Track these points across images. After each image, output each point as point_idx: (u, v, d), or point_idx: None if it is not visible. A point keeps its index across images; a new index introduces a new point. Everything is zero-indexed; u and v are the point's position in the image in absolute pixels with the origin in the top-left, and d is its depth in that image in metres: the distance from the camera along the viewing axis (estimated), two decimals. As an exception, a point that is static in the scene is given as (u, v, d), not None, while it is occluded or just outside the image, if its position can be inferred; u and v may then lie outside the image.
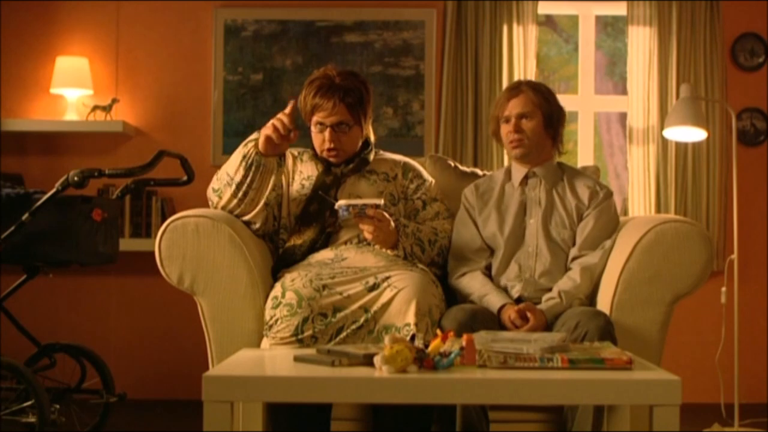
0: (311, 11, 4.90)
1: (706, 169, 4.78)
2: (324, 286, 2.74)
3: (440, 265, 3.10)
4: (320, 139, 3.07)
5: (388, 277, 2.75)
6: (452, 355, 2.20)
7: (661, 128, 4.61)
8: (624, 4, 4.85)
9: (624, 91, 4.92)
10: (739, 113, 4.86)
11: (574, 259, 2.98)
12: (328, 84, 3.03)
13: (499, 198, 3.09)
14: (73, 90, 4.79)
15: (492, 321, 2.82)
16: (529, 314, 2.81)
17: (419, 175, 3.19)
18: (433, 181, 3.24)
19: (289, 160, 3.15)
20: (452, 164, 3.40)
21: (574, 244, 3.01)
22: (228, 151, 4.79)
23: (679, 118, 4.20)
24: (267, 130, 2.90)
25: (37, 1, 4.91)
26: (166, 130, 4.91)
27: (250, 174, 2.92)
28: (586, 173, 3.20)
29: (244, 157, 2.93)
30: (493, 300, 2.89)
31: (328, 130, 3.04)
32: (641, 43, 4.83)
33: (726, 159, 4.77)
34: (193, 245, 2.87)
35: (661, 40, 4.80)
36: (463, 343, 2.24)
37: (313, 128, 3.08)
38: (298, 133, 2.91)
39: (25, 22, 4.92)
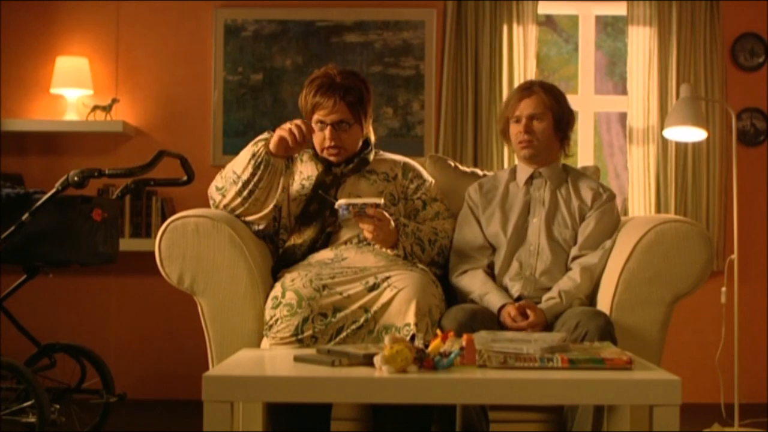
0: (311, 11, 4.90)
1: (706, 169, 4.78)
2: (324, 286, 2.74)
3: (440, 264, 3.10)
4: (320, 137, 3.07)
5: (388, 277, 2.75)
6: (452, 355, 2.20)
7: (661, 128, 4.61)
8: (624, 4, 4.85)
9: (624, 91, 4.92)
10: (739, 113, 4.85)
11: (574, 258, 2.98)
12: (329, 82, 3.04)
13: (503, 197, 3.10)
14: (73, 90, 4.79)
15: (492, 321, 2.82)
16: (528, 311, 2.81)
17: (419, 175, 3.19)
18: (433, 181, 3.24)
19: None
20: (452, 164, 3.40)
21: (575, 243, 3.01)
22: (228, 151, 4.80)
23: (679, 118, 4.20)
24: (283, 132, 2.90)
25: (37, 1, 4.91)
26: (166, 130, 4.91)
27: (258, 173, 2.92)
28: (584, 172, 3.21)
29: (254, 155, 2.93)
30: (494, 299, 2.89)
31: (328, 128, 3.04)
32: (641, 43, 4.83)
33: (726, 159, 4.77)
34: (193, 245, 2.87)
35: (661, 40, 4.80)
36: (463, 343, 2.24)
37: (313, 127, 3.08)
38: (307, 144, 2.96)
39: (25, 22, 4.92)
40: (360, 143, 3.14)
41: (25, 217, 3.33)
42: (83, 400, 3.75)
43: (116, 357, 4.64)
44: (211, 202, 3.07)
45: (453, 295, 3.02)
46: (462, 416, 2.63)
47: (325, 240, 3.03)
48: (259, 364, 2.43)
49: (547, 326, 2.82)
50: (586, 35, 5.05)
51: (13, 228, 3.33)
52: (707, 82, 4.79)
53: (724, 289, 4.35)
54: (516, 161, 3.25)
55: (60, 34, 4.92)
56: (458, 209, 3.18)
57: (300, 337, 2.68)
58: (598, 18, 5.11)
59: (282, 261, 3.02)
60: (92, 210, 3.45)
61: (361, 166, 3.12)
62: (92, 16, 4.93)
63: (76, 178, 3.36)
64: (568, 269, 2.98)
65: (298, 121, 2.92)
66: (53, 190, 3.37)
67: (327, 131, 3.04)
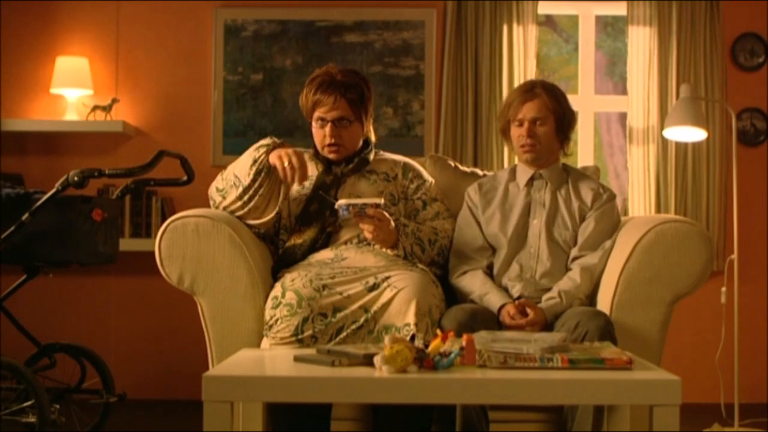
0: (311, 11, 4.90)
1: (706, 169, 4.78)
2: (324, 286, 2.74)
3: (440, 264, 3.09)
4: (321, 134, 3.07)
5: (388, 277, 2.75)
6: (452, 355, 2.20)
7: (661, 128, 4.61)
8: (624, 4, 4.85)
9: (624, 91, 4.92)
10: (739, 113, 4.85)
11: (574, 259, 2.98)
12: (330, 80, 3.04)
13: (503, 197, 3.09)
14: (73, 90, 4.79)
15: (492, 321, 2.82)
16: (528, 309, 2.81)
17: (419, 175, 3.19)
18: (433, 181, 3.24)
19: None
20: (452, 164, 3.40)
21: (575, 244, 3.01)
22: (228, 151, 4.80)
23: (679, 118, 4.20)
24: (278, 162, 2.87)
25: (37, 1, 4.91)
26: (166, 130, 4.91)
27: (259, 179, 2.92)
28: (585, 172, 3.20)
29: (255, 161, 2.92)
30: (493, 299, 2.89)
31: (329, 125, 3.04)
32: (641, 43, 4.83)
33: (726, 159, 4.77)
34: (193, 245, 2.87)
35: (661, 40, 4.80)
36: (463, 343, 2.24)
37: (314, 124, 3.08)
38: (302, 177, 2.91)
39: (25, 22, 4.92)
40: (360, 142, 3.14)
41: (25, 217, 3.33)
42: (83, 400, 3.75)
43: (116, 357, 4.64)
44: (211, 203, 3.07)
45: (453, 295, 3.02)
46: (462, 416, 2.63)
47: (325, 240, 3.03)
48: (259, 364, 2.43)
49: (547, 326, 2.82)
50: (586, 35, 5.05)
51: (13, 228, 3.33)
52: (707, 82, 4.79)
53: (724, 289, 4.35)
54: (515, 160, 3.24)
55: (60, 34, 4.92)
56: (458, 209, 3.18)
57: (300, 337, 2.68)
58: (598, 18, 5.11)
59: (282, 261, 3.02)
60: (92, 210, 3.45)
61: (361, 166, 3.12)
62: (92, 16, 4.93)
63: (76, 178, 3.36)
64: (568, 270, 2.98)
65: (297, 160, 2.88)
66: (53, 190, 3.37)
67: (327, 128, 3.04)
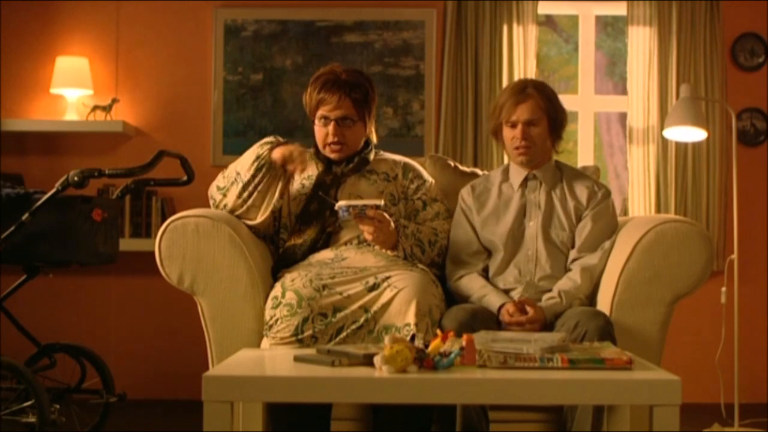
0: (311, 11, 4.90)
1: (706, 169, 4.78)
2: (324, 286, 2.74)
3: (440, 265, 3.09)
4: (323, 133, 3.06)
5: (388, 277, 2.75)
6: (452, 355, 2.20)
7: (661, 128, 4.61)
8: (624, 4, 4.85)
9: (624, 91, 4.92)
10: (739, 113, 4.85)
11: (573, 260, 2.98)
12: (334, 79, 3.04)
13: (497, 199, 3.08)
14: (73, 90, 4.79)
15: (492, 321, 2.82)
16: (527, 308, 2.81)
17: (419, 176, 3.19)
18: (433, 181, 3.24)
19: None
20: (452, 164, 3.40)
21: (572, 245, 3.00)
22: (228, 151, 4.80)
23: (679, 118, 4.20)
24: (279, 151, 2.91)
25: (37, 1, 4.91)
26: (166, 130, 4.91)
27: (259, 175, 2.93)
28: (584, 172, 3.20)
29: (258, 157, 2.93)
30: (493, 299, 2.89)
31: (332, 123, 3.04)
32: (641, 43, 4.83)
33: (726, 159, 4.77)
34: (193, 245, 2.87)
35: (661, 40, 4.80)
36: (463, 343, 2.24)
37: (316, 123, 3.08)
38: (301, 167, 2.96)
39: (25, 22, 4.92)
40: (362, 143, 3.14)
41: (25, 217, 3.32)
42: (83, 400, 3.75)
43: (116, 357, 4.64)
44: (211, 202, 3.08)
45: (453, 295, 3.02)
46: (462, 416, 2.63)
47: (325, 240, 3.03)
48: (259, 364, 2.43)
49: (547, 326, 2.82)
50: (586, 35, 5.05)
51: (13, 228, 3.33)
52: (707, 82, 4.79)
53: (724, 289, 4.35)
54: (506, 160, 3.23)
55: (60, 34, 4.92)
56: (457, 210, 3.18)
57: (300, 337, 2.68)
58: (598, 18, 5.11)
59: (282, 261, 3.02)
60: (92, 210, 3.45)
61: (361, 166, 3.12)
62: (92, 16, 4.93)
63: (76, 178, 3.36)
64: (567, 270, 2.98)
65: (296, 151, 2.92)
66: (53, 190, 3.37)
67: (330, 127, 3.04)
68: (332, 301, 2.72)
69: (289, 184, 3.05)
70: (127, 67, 4.93)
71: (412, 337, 2.46)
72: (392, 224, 2.94)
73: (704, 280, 2.84)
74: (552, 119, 3.02)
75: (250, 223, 3.01)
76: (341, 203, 2.85)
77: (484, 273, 3.03)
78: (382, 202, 2.87)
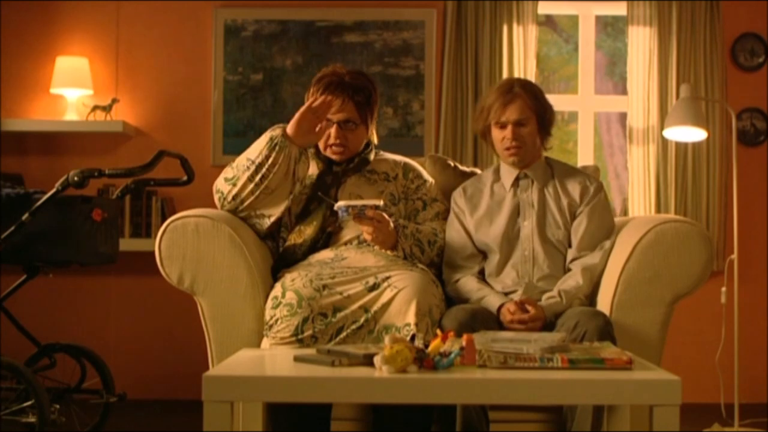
0: (311, 11, 4.90)
1: (706, 169, 4.78)
2: (324, 286, 2.74)
3: (440, 265, 3.09)
4: (326, 135, 3.06)
5: (388, 277, 2.75)
6: (452, 355, 2.20)
7: (661, 128, 4.61)
8: (624, 4, 4.85)
9: (624, 91, 4.92)
10: (739, 113, 4.85)
11: (573, 259, 2.97)
12: (338, 81, 3.03)
13: (489, 200, 3.08)
14: (73, 90, 4.79)
15: (492, 321, 2.82)
16: (528, 307, 2.81)
17: (419, 176, 3.19)
18: (433, 181, 3.24)
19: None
20: (452, 164, 3.40)
21: (569, 242, 3.00)
22: (228, 151, 4.80)
23: (679, 118, 4.20)
24: (297, 116, 2.90)
25: (37, 1, 4.91)
26: (166, 130, 4.91)
27: (273, 155, 2.88)
28: (575, 167, 3.19)
29: (272, 138, 2.91)
30: (492, 300, 2.89)
31: (334, 126, 3.04)
32: (641, 43, 4.83)
33: (726, 159, 4.77)
34: (193, 245, 2.87)
35: (661, 40, 4.80)
36: (463, 343, 2.24)
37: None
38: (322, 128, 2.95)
39: (25, 22, 4.92)
40: (363, 145, 3.14)
41: (25, 217, 3.33)
42: (83, 400, 3.75)
43: (116, 357, 4.64)
44: (216, 197, 3.01)
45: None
46: (462, 416, 2.63)
47: (325, 240, 3.03)
48: (259, 364, 2.43)
49: (547, 326, 2.81)
50: (586, 35, 5.05)
51: (13, 228, 3.33)
52: (707, 82, 4.79)
53: (724, 289, 4.35)
54: (495, 160, 3.22)
55: (60, 34, 4.92)
56: (456, 210, 3.17)
57: (300, 337, 2.68)
58: (598, 18, 5.11)
59: (282, 261, 3.01)
60: (92, 210, 3.45)
61: (361, 166, 3.12)
62: (92, 16, 4.93)
63: (76, 178, 3.36)
64: (566, 269, 2.98)
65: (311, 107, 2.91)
66: (53, 190, 3.37)
67: (333, 129, 3.04)
68: (332, 301, 2.72)
69: (303, 163, 3.01)
70: (127, 67, 4.93)
71: (412, 337, 2.46)
72: (391, 224, 2.93)
73: (704, 280, 2.84)
74: (540, 117, 3.02)
75: (265, 212, 2.97)
76: (341, 203, 2.85)
77: (480, 275, 3.03)
78: (381, 202, 2.87)
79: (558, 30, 5.57)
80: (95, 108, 4.77)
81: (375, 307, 2.71)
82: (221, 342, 2.86)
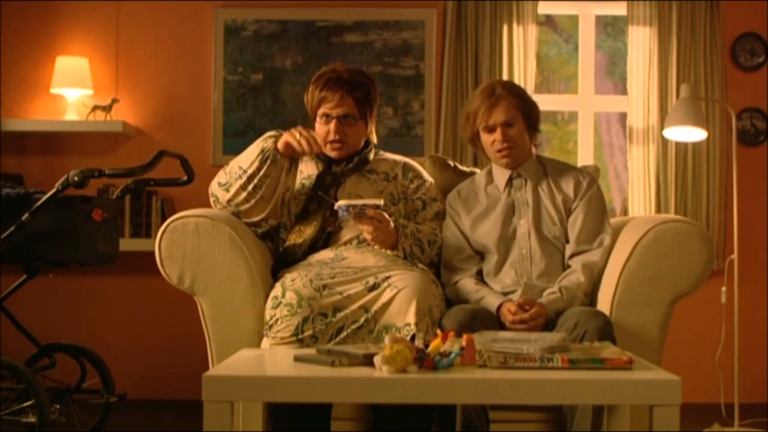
0: (311, 11, 4.90)
1: (706, 169, 4.78)
2: (324, 286, 2.74)
3: (439, 266, 3.09)
4: (325, 131, 3.06)
5: (388, 277, 2.75)
6: (452, 355, 2.20)
7: (661, 128, 4.61)
8: (624, 4, 4.85)
9: (624, 91, 4.92)
10: (739, 113, 4.85)
11: (572, 255, 2.98)
12: (337, 77, 3.04)
13: (484, 201, 3.08)
14: (73, 90, 4.79)
15: (492, 321, 2.82)
16: (528, 307, 2.81)
17: (419, 176, 3.19)
18: (433, 181, 3.24)
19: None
20: (452, 164, 3.40)
21: (566, 238, 3.00)
22: (228, 151, 4.80)
23: (679, 118, 4.20)
24: (292, 138, 2.90)
25: (37, 1, 4.91)
26: (166, 130, 4.91)
27: (264, 167, 2.91)
28: (567, 163, 3.19)
29: (263, 150, 2.92)
30: (491, 300, 2.89)
31: (333, 121, 3.04)
32: (641, 43, 4.83)
33: (726, 159, 4.77)
34: (193, 245, 2.87)
35: (661, 40, 4.80)
36: (463, 343, 2.24)
37: (318, 120, 3.08)
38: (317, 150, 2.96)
39: (25, 22, 4.92)
40: (363, 142, 3.14)
41: (25, 217, 3.33)
42: (83, 400, 3.75)
43: (116, 357, 4.64)
44: (212, 200, 3.05)
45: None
46: (462, 416, 2.63)
47: (325, 240, 3.03)
48: (259, 364, 2.43)
49: (548, 326, 2.81)
50: (586, 35, 5.05)
51: (13, 228, 3.34)
52: (707, 82, 4.79)
53: (724, 289, 4.35)
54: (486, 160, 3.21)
55: (60, 34, 4.92)
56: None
57: (300, 337, 2.68)
58: (598, 18, 5.11)
59: (282, 261, 3.02)
60: (92, 210, 3.45)
61: (361, 166, 3.12)
62: (92, 16, 4.93)
63: (76, 178, 3.36)
64: (565, 266, 2.98)
65: (309, 133, 2.91)
66: (53, 190, 3.37)
67: (332, 125, 3.04)
68: (332, 300, 2.72)
69: (293, 174, 3.03)
70: (127, 67, 4.93)
71: (412, 337, 2.46)
72: (392, 224, 2.94)
73: (704, 280, 2.84)
74: (526, 115, 3.03)
75: (255, 219, 3.00)
76: (341, 203, 2.85)
77: (478, 276, 3.03)
78: (381, 202, 2.87)
79: (558, 30, 5.56)
80: (95, 108, 4.77)
81: (375, 307, 2.71)
82: (221, 342, 2.86)
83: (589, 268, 2.91)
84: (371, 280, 2.75)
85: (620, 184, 5.25)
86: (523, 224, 3.01)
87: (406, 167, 3.19)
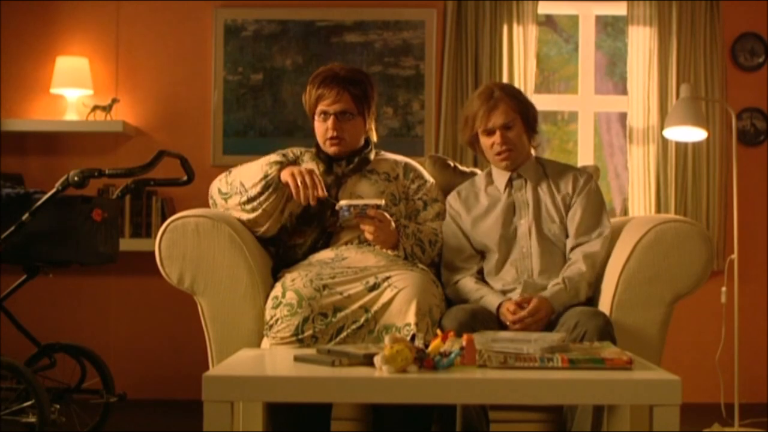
0: (311, 11, 4.90)
1: (706, 169, 4.78)
2: (324, 286, 2.74)
3: (440, 266, 3.09)
4: (323, 128, 3.06)
5: (388, 277, 2.75)
6: (452, 355, 2.20)
7: (661, 128, 4.61)
8: (624, 4, 4.85)
9: (624, 91, 4.92)
10: (739, 113, 4.85)
11: (573, 248, 2.98)
12: (333, 75, 3.06)
13: (484, 202, 3.09)
14: (73, 90, 4.79)
15: (492, 321, 2.82)
16: (526, 304, 2.80)
17: (420, 176, 3.19)
18: (434, 181, 3.24)
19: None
20: (452, 164, 3.40)
21: (566, 235, 3.01)
22: (228, 151, 4.80)
23: (679, 118, 4.20)
24: (291, 181, 2.87)
25: (37, 1, 4.91)
26: (166, 130, 4.91)
27: (266, 194, 2.93)
28: (565, 164, 3.20)
29: (266, 176, 2.93)
30: (491, 299, 2.89)
31: (331, 118, 3.04)
32: (641, 43, 4.83)
33: (726, 159, 4.77)
34: (193, 245, 2.87)
35: (661, 40, 4.80)
36: (463, 343, 2.24)
37: (316, 119, 3.08)
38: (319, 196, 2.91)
39: (25, 22, 4.92)
40: (362, 140, 3.14)
41: (25, 217, 3.33)
42: (83, 400, 3.75)
43: (116, 357, 4.64)
44: (210, 202, 3.07)
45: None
46: (462, 416, 2.63)
47: (326, 240, 3.03)
48: (259, 364, 2.43)
49: (548, 326, 2.81)
50: (586, 35, 5.05)
51: (13, 228, 3.33)
52: (707, 82, 4.79)
53: (724, 289, 4.35)
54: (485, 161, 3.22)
55: (60, 34, 4.92)
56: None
57: (300, 337, 2.68)
58: (598, 18, 5.11)
59: (282, 261, 3.02)
60: (92, 210, 3.45)
61: (362, 166, 3.12)
62: (92, 16, 4.93)
63: (76, 178, 3.36)
64: (567, 259, 2.98)
65: (312, 178, 2.89)
66: (53, 190, 3.37)
67: (330, 121, 3.04)
68: (332, 300, 2.72)
69: (294, 201, 3.02)
70: (127, 67, 4.93)
71: (413, 337, 2.46)
72: (393, 224, 2.94)
73: (704, 280, 2.84)
74: (525, 117, 3.04)
75: (255, 230, 3.01)
76: (342, 203, 2.85)
77: (479, 275, 3.03)
78: (383, 202, 2.87)
79: (558, 30, 5.56)
80: (95, 108, 4.77)
81: (375, 307, 2.72)
82: (221, 342, 2.86)
83: (590, 258, 2.92)
84: (371, 280, 2.75)
85: (620, 184, 5.26)
86: (524, 224, 3.02)
87: (407, 167, 3.19)
